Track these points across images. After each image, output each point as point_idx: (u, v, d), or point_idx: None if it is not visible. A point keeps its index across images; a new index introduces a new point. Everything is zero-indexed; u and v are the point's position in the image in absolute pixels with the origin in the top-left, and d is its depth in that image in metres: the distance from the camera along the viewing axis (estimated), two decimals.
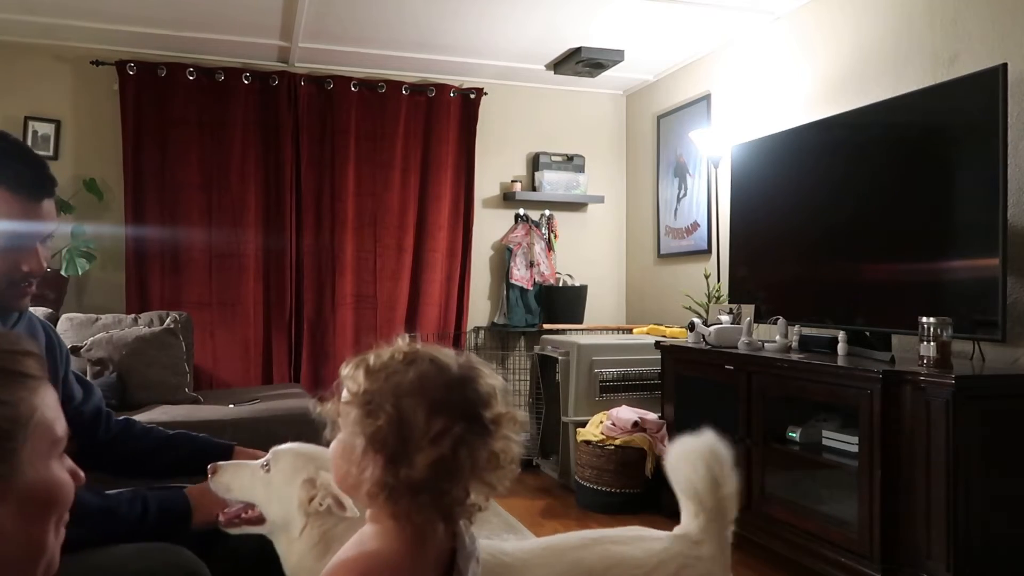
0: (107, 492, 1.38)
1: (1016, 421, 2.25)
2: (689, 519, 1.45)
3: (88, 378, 2.33)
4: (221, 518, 1.36)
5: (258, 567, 1.42)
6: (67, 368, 1.54)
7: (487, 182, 4.88)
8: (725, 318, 3.31)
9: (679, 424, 3.45)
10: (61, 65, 4.18)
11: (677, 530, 1.44)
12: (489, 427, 0.92)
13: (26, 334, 1.40)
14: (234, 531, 1.34)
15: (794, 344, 3.00)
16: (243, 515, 1.33)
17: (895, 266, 2.79)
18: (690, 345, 3.41)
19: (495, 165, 4.90)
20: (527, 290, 4.82)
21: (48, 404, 0.75)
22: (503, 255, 4.88)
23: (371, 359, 0.94)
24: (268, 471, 1.32)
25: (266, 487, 1.31)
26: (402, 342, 0.97)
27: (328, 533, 1.24)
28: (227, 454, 1.60)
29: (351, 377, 0.94)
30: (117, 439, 1.59)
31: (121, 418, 1.65)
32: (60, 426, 0.76)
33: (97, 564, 1.21)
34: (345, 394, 0.94)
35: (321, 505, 1.24)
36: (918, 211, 2.68)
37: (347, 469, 0.93)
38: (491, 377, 0.97)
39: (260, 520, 1.32)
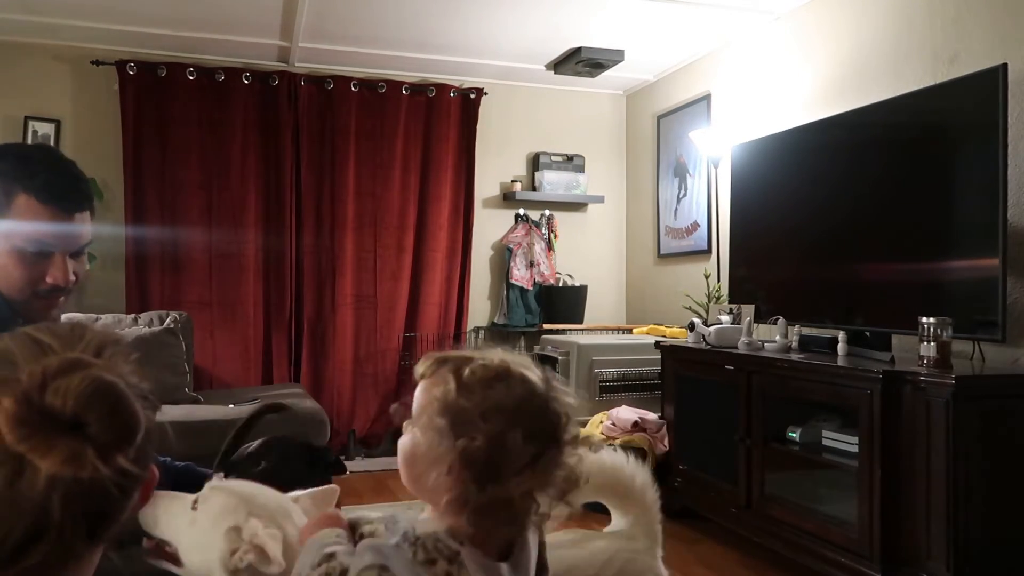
0: None
1: (1016, 421, 2.25)
2: (618, 517, 1.51)
3: None
4: (145, 543, 1.18)
5: None
6: None
7: (487, 182, 4.88)
8: (725, 318, 3.31)
9: (679, 424, 3.45)
10: (61, 65, 4.18)
11: (610, 528, 1.51)
12: (568, 447, 0.95)
13: None
14: (155, 562, 1.17)
15: (794, 344, 3.00)
16: (166, 548, 1.15)
17: (895, 266, 2.79)
18: (690, 345, 3.41)
19: (495, 165, 4.90)
20: (527, 290, 4.82)
21: None
22: (503, 255, 4.88)
23: (466, 371, 0.93)
24: (195, 509, 1.13)
25: (190, 528, 1.12)
26: (489, 353, 0.97)
27: None
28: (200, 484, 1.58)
29: (442, 383, 0.93)
30: None
31: None
32: None
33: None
34: (432, 398, 0.93)
35: (242, 561, 1.05)
36: (918, 211, 2.68)
37: (422, 471, 0.93)
38: (564, 394, 0.98)
39: (179, 562, 1.13)
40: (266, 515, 1.10)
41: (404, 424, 1.00)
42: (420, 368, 0.98)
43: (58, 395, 0.61)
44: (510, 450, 0.89)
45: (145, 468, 0.68)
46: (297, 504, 1.18)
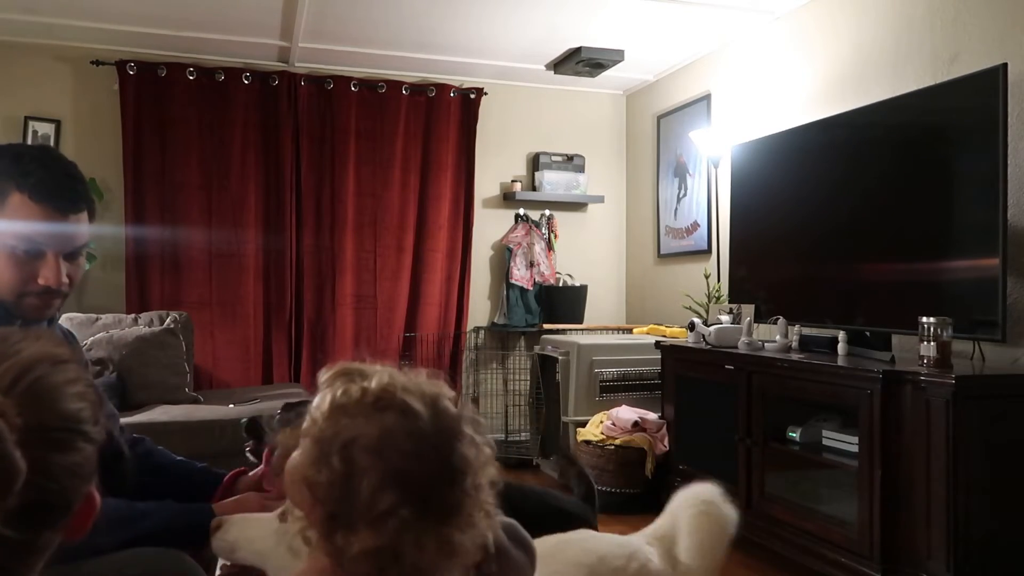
0: (134, 503, 1.35)
1: (1016, 421, 2.25)
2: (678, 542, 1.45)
3: None
4: (219, 572, 1.15)
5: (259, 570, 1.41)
6: None
7: (487, 182, 4.88)
8: (725, 318, 3.31)
9: (679, 424, 3.45)
10: (61, 65, 4.18)
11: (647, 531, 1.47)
12: (447, 511, 0.77)
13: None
14: None
15: (794, 344, 3.00)
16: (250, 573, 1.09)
17: (895, 266, 2.79)
18: (690, 345, 3.41)
19: (495, 165, 4.90)
20: (527, 290, 4.81)
21: None
22: (503, 255, 4.88)
23: (339, 392, 0.80)
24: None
25: (278, 547, 1.03)
26: (386, 376, 0.83)
27: None
28: (215, 486, 1.53)
29: (318, 404, 0.81)
30: (118, 458, 1.55)
31: (133, 436, 1.61)
32: None
33: (93, 570, 1.20)
34: (310, 414, 0.81)
35: None
36: (918, 211, 2.68)
37: (288, 484, 0.82)
38: (471, 443, 0.80)
39: None
40: None
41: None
42: (322, 375, 0.86)
43: None
44: (355, 495, 0.75)
45: (38, 527, 0.61)
46: None
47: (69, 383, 0.64)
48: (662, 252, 4.71)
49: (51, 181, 1.29)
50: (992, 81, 2.39)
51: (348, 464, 0.75)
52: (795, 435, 2.79)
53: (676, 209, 4.56)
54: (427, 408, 0.79)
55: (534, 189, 4.92)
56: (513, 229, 4.89)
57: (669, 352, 3.53)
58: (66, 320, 3.68)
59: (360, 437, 0.76)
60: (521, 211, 4.90)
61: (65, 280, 1.33)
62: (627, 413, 3.62)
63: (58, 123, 4.15)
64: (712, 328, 3.23)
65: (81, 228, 1.34)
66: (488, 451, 0.83)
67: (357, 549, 0.74)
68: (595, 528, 1.80)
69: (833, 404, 2.67)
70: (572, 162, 4.99)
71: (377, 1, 3.61)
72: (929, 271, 2.64)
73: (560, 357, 3.99)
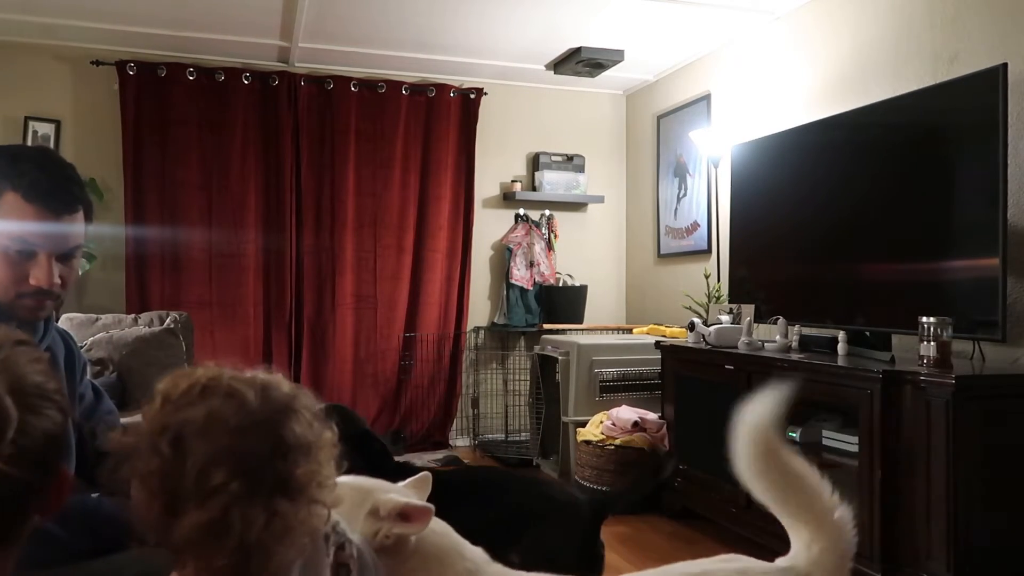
0: (128, 499, 1.35)
1: (1016, 421, 2.25)
2: (801, 547, 1.29)
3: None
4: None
5: None
6: (83, 381, 1.53)
7: (487, 182, 4.88)
8: (725, 318, 3.31)
9: (679, 424, 3.45)
10: (61, 65, 4.18)
11: (784, 561, 1.30)
12: (279, 485, 0.78)
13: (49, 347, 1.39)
14: None
15: (794, 344, 3.00)
16: None
17: (895, 266, 2.79)
18: (690, 345, 3.41)
19: (495, 165, 4.90)
20: (527, 290, 4.82)
21: None
22: (503, 255, 4.88)
23: (170, 385, 0.81)
24: None
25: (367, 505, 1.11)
26: (215, 370, 0.84)
27: (395, 573, 1.07)
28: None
29: (149, 402, 0.81)
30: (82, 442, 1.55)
31: None
32: None
33: (93, 570, 1.20)
34: (145, 410, 0.82)
35: (388, 538, 1.07)
36: (918, 211, 2.68)
37: (135, 492, 0.82)
38: (305, 422, 0.82)
39: None
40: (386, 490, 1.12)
41: None
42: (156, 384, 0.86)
43: None
44: (183, 476, 0.75)
45: (31, 469, 0.66)
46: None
47: (32, 361, 0.71)
48: (662, 252, 4.71)
49: (45, 182, 1.29)
50: (992, 81, 2.39)
51: (176, 449, 0.76)
52: (795, 435, 2.79)
53: (676, 209, 4.56)
54: (255, 391, 0.81)
55: (534, 189, 4.92)
56: (513, 229, 4.89)
57: (669, 352, 3.53)
58: (66, 320, 3.68)
59: (187, 423, 0.77)
60: (521, 211, 4.90)
61: (57, 281, 1.31)
62: (627, 413, 3.61)
63: (58, 123, 4.15)
64: (712, 328, 3.23)
65: (75, 229, 1.33)
66: (328, 435, 0.84)
67: (187, 526, 0.74)
68: (589, 519, 1.77)
69: (833, 404, 2.66)
70: (572, 162, 4.99)
71: (377, 1, 3.61)
72: (929, 271, 2.64)
73: (560, 357, 3.99)
